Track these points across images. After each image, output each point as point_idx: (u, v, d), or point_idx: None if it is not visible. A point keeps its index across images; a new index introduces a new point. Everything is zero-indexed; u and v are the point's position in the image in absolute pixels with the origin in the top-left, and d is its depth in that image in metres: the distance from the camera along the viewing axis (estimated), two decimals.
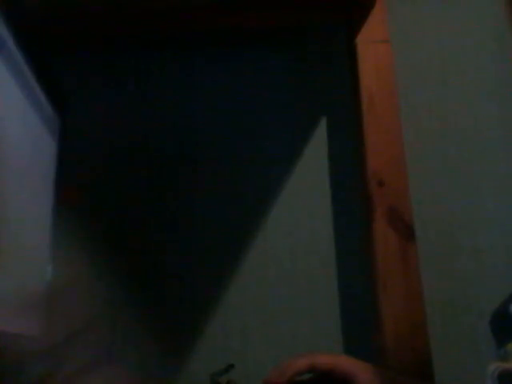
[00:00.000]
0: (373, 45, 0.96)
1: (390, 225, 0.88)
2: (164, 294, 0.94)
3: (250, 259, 0.98)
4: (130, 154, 1.01)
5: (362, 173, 0.94)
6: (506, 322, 0.40)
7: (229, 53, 1.06)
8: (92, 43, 1.04)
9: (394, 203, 0.89)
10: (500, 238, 0.98)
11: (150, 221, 0.98)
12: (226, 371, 0.84)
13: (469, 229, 0.98)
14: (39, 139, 0.43)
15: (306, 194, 1.01)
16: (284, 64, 1.06)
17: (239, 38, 1.06)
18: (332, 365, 0.60)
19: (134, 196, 0.99)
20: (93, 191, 0.95)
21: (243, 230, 0.99)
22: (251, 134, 1.03)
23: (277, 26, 1.04)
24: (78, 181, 0.89)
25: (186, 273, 0.96)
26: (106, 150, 1.00)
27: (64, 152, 0.69)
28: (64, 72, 0.77)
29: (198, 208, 0.99)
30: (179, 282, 0.96)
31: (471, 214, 0.99)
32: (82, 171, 0.95)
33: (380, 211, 0.89)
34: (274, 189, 1.01)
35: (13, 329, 0.36)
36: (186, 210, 0.99)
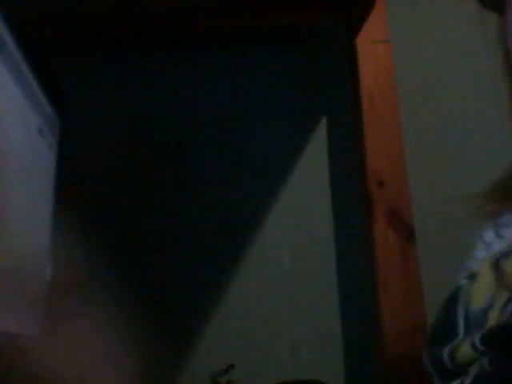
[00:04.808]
0: (373, 45, 0.96)
1: (390, 225, 0.88)
2: (164, 293, 0.94)
3: (250, 259, 0.98)
4: (130, 154, 1.01)
5: (361, 173, 0.94)
6: (441, 366, 0.37)
7: (229, 53, 1.06)
8: (92, 43, 1.04)
9: (394, 203, 0.89)
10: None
11: (150, 220, 0.98)
12: (225, 371, 0.84)
13: (469, 229, 0.98)
14: (39, 139, 0.43)
15: (306, 193, 1.01)
16: (284, 64, 1.06)
17: (239, 38, 1.06)
18: None
19: (134, 196, 0.99)
20: (93, 191, 0.95)
21: (243, 229, 0.99)
22: (251, 134, 1.03)
23: (277, 26, 1.04)
24: (78, 181, 0.89)
25: (186, 272, 0.96)
26: (106, 150, 1.00)
27: (64, 152, 0.69)
28: (64, 72, 0.77)
29: (198, 208, 0.99)
30: (179, 282, 0.96)
31: (471, 214, 0.99)
32: (82, 171, 0.95)
33: (380, 211, 0.89)
34: (274, 189, 1.01)
35: (13, 329, 0.36)
36: (186, 210, 0.99)
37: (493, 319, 0.33)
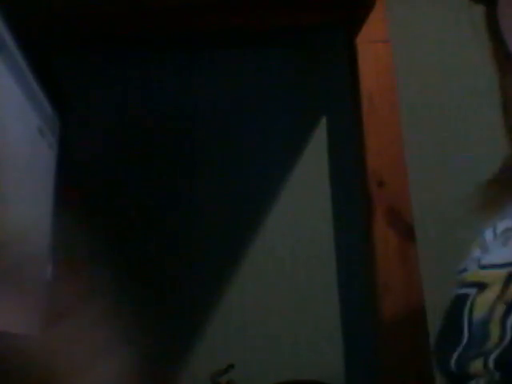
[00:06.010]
0: (373, 45, 0.96)
1: (389, 225, 0.88)
2: (164, 293, 0.94)
3: (250, 259, 0.98)
4: (130, 153, 1.01)
5: (362, 173, 0.94)
6: (451, 375, 0.39)
7: (229, 53, 1.06)
8: (92, 43, 1.04)
9: (394, 203, 0.89)
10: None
11: (150, 220, 0.98)
12: (225, 371, 0.84)
13: (469, 229, 0.98)
14: (39, 139, 0.43)
15: (306, 193, 1.01)
16: (284, 64, 1.06)
17: (239, 38, 1.06)
18: None
19: (134, 195, 0.99)
20: (93, 191, 0.95)
21: (243, 229, 0.99)
22: (251, 135, 1.03)
23: (277, 26, 1.04)
24: (78, 181, 0.89)
25: (187, 273, 0.96)
26: (106, 149, 1.00)
27: (64, 152, 0.69)
28: (64, 72, 0.77)
29: (198, 208, 0.99)
30: (179, 282, 0.96)
31: (471, 214, 0.99)
32: (82, 171, 0.95)
33: (380, 211, 0.89)
34: (274, 189, 1.01)
35: (13, 329, 0.36)
36: (185, 210, 0.99)
37: (495, 332, 0.34)
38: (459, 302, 0.39)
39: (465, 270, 0.42)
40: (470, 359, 0.35)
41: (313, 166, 1.02)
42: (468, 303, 0.38)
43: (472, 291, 0.39)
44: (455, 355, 0.36)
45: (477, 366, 0.34)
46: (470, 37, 1.10)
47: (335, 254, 0.98)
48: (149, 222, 0.98)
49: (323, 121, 1.04)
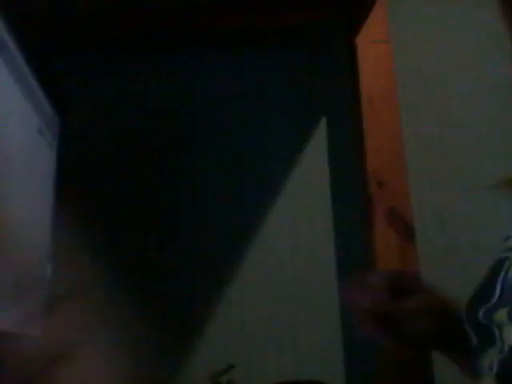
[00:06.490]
0: (373, 45, 0.96)
1: (390, 225, 0.88)
2: (164, 294, 0.94)
3: (250, 259, 0.98)
4: (130, 153, 1.01)
5: (362, 173, 0.94)
6: (478, 328, 0.42)
7: (229, 53, 1.06)
8: (92, 43, 1.04)
9: (394, 203, 0.89)
10: (500, 237, 0.98)
11: (151, 220, 0.98)
12: (225, 371, 0.84)
13: (469, 229, 0.98)
14: (39, 139, 0.43)
15: (305, 193, 1.01)
16: (284, 64, 1.06)
17: (239, 39, 1.06)
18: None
19: (134, 195, 0.99)
20: (93, 191, 0.95)
21: (243, 229, 0.99)
22: (251, 135, 1.03)
23: (277, 26, 1.04)
24: (78, 181, 0.90)
25: (186, 273, 0.96)
26: (106, 149, 1.00)
27: (64, 152, 0.69)
28: (64, 72, 0.77)
29: (198, 208, 0.99)
30: (179, 282, 0.96)
31: (471, 214, 0.99)
32: (82, 171, 0.95)
33: (380, 211, 0.89)
34: (274, 189, 1.01)
35: (13, 329, 0.36)
36: (185, 211, 0.99)
37: None
38: (498, 264, 0.43)
39: (509, 237, 0.47)
40: (497, 310, 0.38)
41: (313, 165, 1.02)
42: (506, 264, 0.42)
43: (511, 254, 0.43)
44: (484, 307, 0.40)
45: (501, 315, 0.37)
46: (470, 36, 1.10)
47: (335, 253, 0.98)
48: (149, 222, 0.98)
49: (323, 121, 1.04)
